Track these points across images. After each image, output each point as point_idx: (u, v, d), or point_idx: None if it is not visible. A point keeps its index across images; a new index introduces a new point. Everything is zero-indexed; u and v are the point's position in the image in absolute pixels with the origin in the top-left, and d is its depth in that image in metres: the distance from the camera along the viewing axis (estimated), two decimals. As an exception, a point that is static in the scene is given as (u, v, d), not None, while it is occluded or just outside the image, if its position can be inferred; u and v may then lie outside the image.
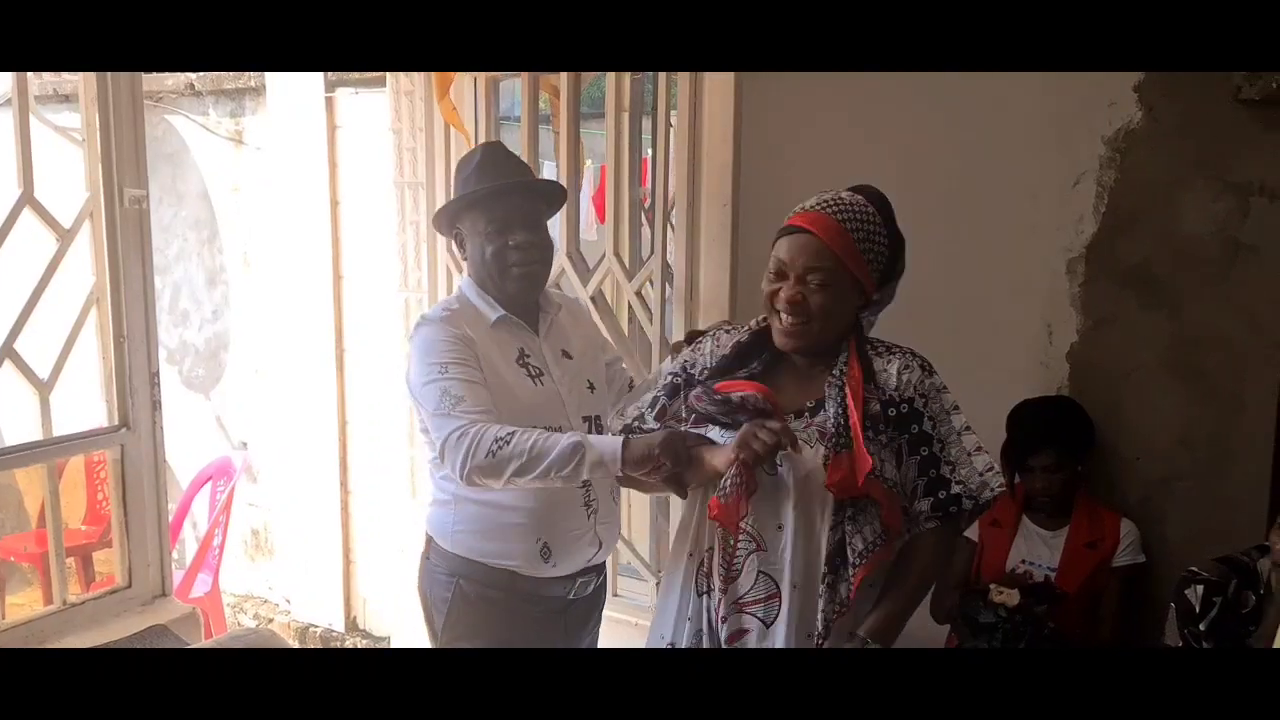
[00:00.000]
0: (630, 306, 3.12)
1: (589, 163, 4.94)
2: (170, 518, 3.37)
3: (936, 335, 2.89)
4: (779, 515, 1.78)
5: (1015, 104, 2.73)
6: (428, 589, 2.27)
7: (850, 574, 1.74)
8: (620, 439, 1.87)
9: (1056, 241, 2.77)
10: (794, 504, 1.77)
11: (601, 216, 4.38)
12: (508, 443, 1.92)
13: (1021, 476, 2.74)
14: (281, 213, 4.19)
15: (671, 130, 2.98)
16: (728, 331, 1.96)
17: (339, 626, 4.31)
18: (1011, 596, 2.57)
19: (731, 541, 1.79)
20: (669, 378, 1.97)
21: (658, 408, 1.94)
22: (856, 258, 1.77)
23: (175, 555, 3.90)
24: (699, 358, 1.94)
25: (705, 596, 1.84)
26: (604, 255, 3.09)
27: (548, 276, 2.31)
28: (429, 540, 2.28)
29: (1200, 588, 2.22)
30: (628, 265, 3.07)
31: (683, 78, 2.85)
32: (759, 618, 1.79)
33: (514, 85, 3.69)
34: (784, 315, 1.79)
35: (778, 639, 1.78)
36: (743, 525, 1.77)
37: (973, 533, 2.82)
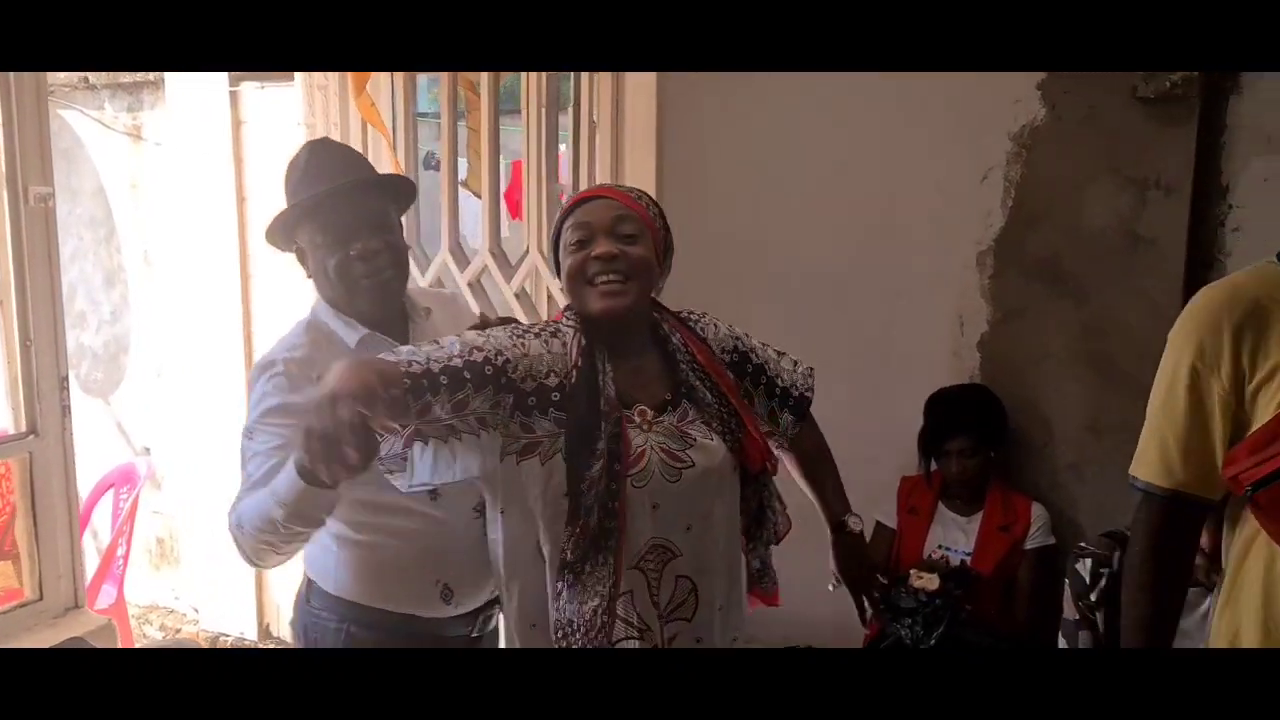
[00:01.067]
0: (559, 304, 3.12)
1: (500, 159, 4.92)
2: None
3: (852, 327, 2.99)
4: (689, 518, 1.66)
5: (925, 102, 2.81)
6: (312, 638, 1.98)
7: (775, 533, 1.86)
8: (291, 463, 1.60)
9: (966, 235, 2.86)
10: (706, 500, 1.67)
11: (514, 212, 4.37)
12: (241, 527, 1.72)
13: (938, 462, 2.82)
14: (184, 210, 4.07)
15: (595, 125, 2.98)
16: (537, 335, 1.66)
17: (251, 634, 4.21)
18: (931, 581, 2.65)
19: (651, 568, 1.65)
20: (471, 359, 1.54)
21: (458, 397, 1.52)
22: (652, 223, 1.69)
23: (76, 566, 3.77)
24: (523, 360, 1.60)
25: (631, 643, 1.64)
26: (527, 251, 3.08)
27: (405, 282, 1.99)
28: (308, 583, 2.00)
29: (1088, 561, 2.34)
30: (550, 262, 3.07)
31: (603, 74, 2.86)
32: (681, 619, 1.68)
33: (429, 82, 3.66)
34: (600, 276, 1.61)
35: (700, 628, 1.69)
36: (662, 540, 1.64)
37: (891, 520, 2.91)
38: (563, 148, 3.39)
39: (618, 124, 2.84)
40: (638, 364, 1.69)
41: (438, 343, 1.55)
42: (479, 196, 3.28)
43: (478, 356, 1.53)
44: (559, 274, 1.70)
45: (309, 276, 1.95)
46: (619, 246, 1.62)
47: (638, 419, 1.64)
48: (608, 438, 1.58)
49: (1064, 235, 2.77)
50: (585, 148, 3.03)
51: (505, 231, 4.26)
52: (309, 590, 1.99)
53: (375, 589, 1.92)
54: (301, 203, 1.88)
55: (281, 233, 1.95)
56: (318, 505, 1.63)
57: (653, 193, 2.89)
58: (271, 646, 4.16)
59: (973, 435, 2.76)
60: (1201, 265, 2.67)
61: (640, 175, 2.86)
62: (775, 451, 1.86)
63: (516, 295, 3.07)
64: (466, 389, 1.51)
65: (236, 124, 3.88)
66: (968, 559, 2.78)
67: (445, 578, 1.92)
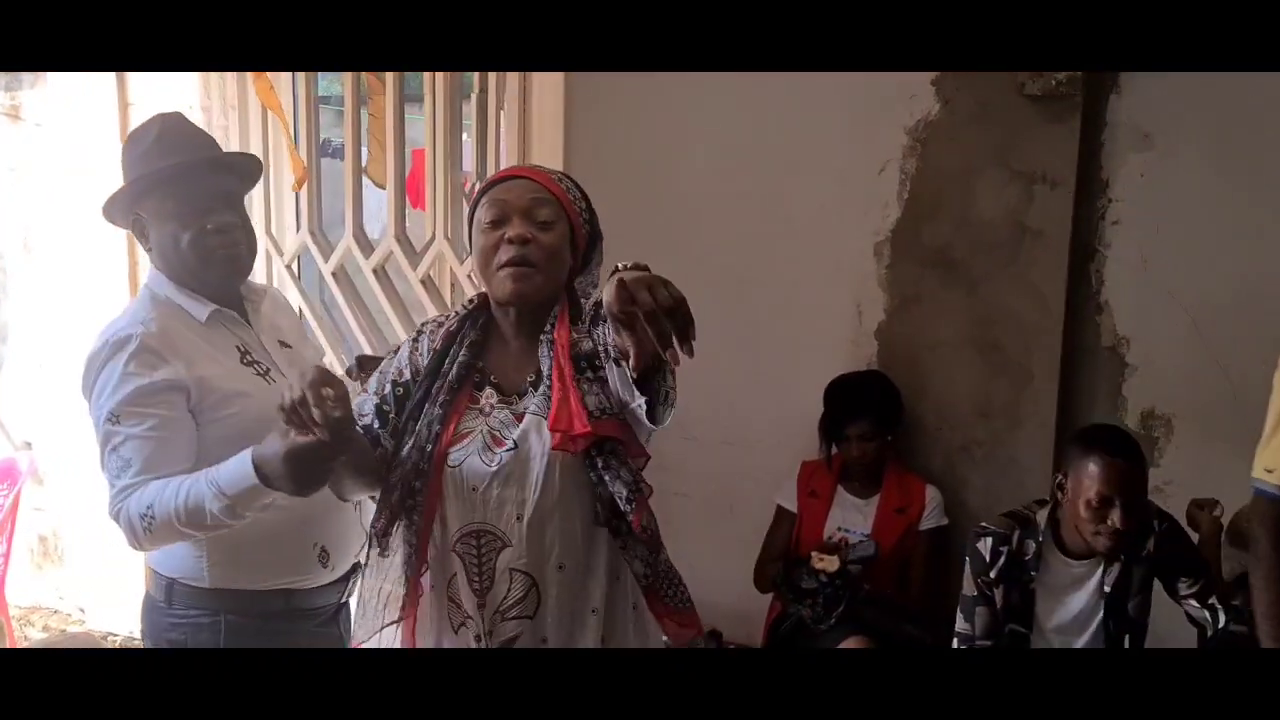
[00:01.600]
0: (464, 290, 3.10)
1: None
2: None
3: (753, 316, 3.04)
4: (518, 506, 1.60)
5: (823, 95, 2.87)
6: (182, 642, 1.90)
7: (629, 522, 1.60)
8: (248, 467, 1.62)
9: (864, 226, 2.94)
10: (533, 487, 1.60)
11: (415, 201, 4.32)
12: (153, 518, 1.71)
13: (838, 447, 2.89)
14: (67, 195, 3.92)
15: (502, 114, 2.97)
16: (427, 330, 1.75)
17: (139, 634, 4.08)
18: (832, 562, 2.72)
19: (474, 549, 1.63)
20: (381, 396, 1.72)
21: (389, 426, 1.70)
22: (572, 207, 1.65)
23: (-49, 566, 3.61)
24: (408, 360, 1.73)
25: (462, 630, 1.65)
26: (433, 239, 3.05)
27: (253, 262, 2.01)
28: (168, 586, 1.90)
29: (989, 540, 2.43)
30: (455, 249, 3.05)
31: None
32: (523, 616, 1.62)
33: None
34: (509, 257, 1.59)
35: (546, 627, 1.63)
36: (486, 526, 1.61)
37: (792, 504, 2.97)
38: (465, 137, 3.38)
39: (524, 113, 2.84)
40: (517, 347, 1.68)
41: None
42: (381, 186, 3.24)
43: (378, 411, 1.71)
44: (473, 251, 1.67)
45: (148, 249, 1.92)
46: (532, 231, 1.59)
47: (482, 403, 1.66)
48: (428, 419, 1.63)
49: (956, 226, 2.86)
50: (491, 136, 3.02)
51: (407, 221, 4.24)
52: (168, 594, 1.91)
53: (253, 568, 1.89)
54: (159, 171, 1.85)
55: (125, 204, 1.91)
56: (257, 503, 1.65)
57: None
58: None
59: (871, 420, 2.84)
60: (1084, 256, 2.80)
61: (547, 163, 2.86)
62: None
63: (422, 282, 3.05)
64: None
65: (124, 105, 3.74)
66: (865, 540, 2.85)
67: (322, 540, 1.93)
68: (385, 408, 1.71)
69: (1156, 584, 2.42)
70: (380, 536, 1.66)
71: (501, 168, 2.96)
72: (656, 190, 3.06)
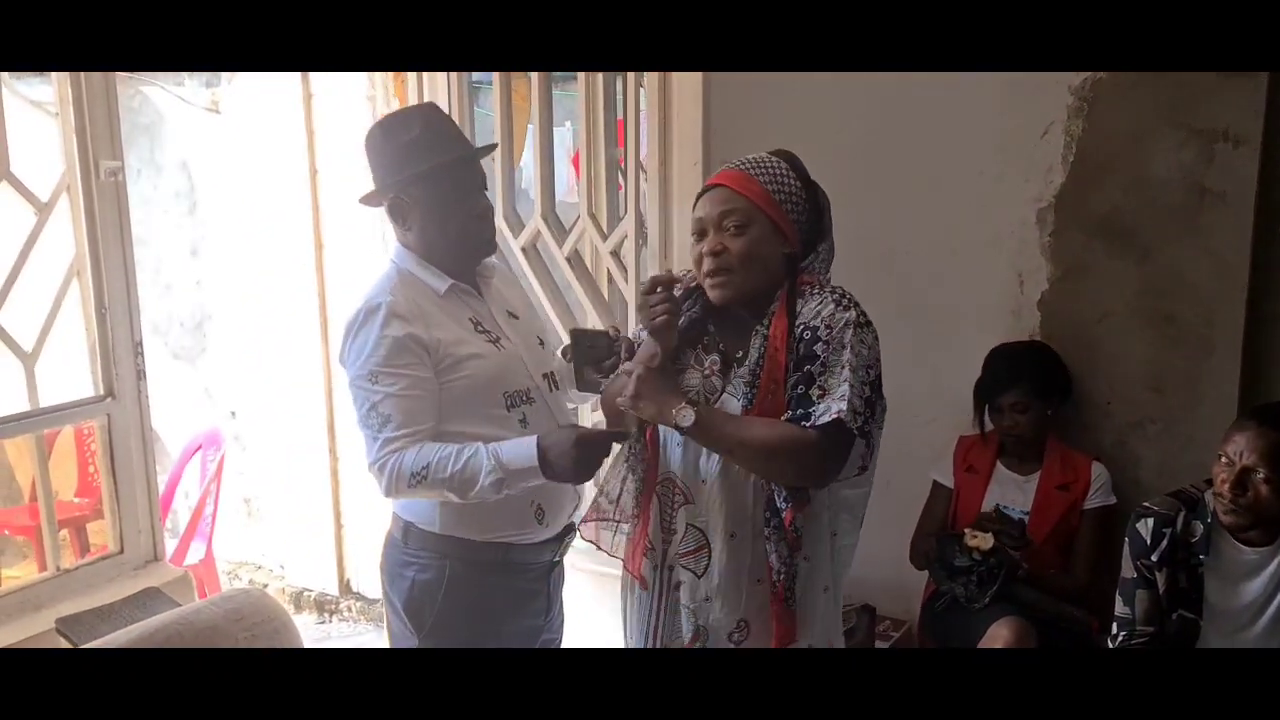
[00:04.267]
0: (608, 268, 3.15)
1: (567, 124, 4.94)
2: (162, 488, 3.41)
3: (909, 288, 2.96)
4: (702, 469, 1.80)
5: (983, 56, 2.75)
6: (410, 577, 2.11)
7: (781, 518, 1.73)
8: (531, 449, 1.91)
9: (1026, 192, 2.81)
10: (717, 459, 1.78)
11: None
12: (425, 477, 1.92)
13: (991, 416, 2.79)
14: (261, 182, 4.20)
15: (642, 91, 2.99)
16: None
17: (333, 590, 4.36)
18: (985, 540, 2.64)
19: (671, 502, 1.85)
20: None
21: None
22: (769, 201, 1.77)
23: (169, 525, 3.94)
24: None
25: (650, 554, 1.89)
26: (579, 216, 3.11)
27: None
28: (405, 527, 2.13)
29: (1150, 521, 2.31)
30: (604, 226, 3.10)
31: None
32: (690, 569, 1.82)
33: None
34: (707, 266, 1.78)
35: (711, 587, 1.81)
36: (673, 478, 1.83)
37: (948, 479, 2.89)
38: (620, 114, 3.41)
39: (665, 88, 2.85)
40: (738, 323, 1.82)
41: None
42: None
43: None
44: None
45: (407, 229, 2.10)
46: (722, 241, 1.76)
47: (707, 368, 1.84)
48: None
49: (1126, 191, 2.70)
50: (631, 114, 3.04)
51: (573, 196, 4.32)
52: (405, 534, 2.12)
53: (478, 520, 2.06)
54: (445, 163, 2.05)
55: (392, 188, 2.08)
56: (526, 484, 1.93)
57: (699, 159, 2.91)
58: (344, 608, 4.32)
59: (1026, 389, 2.73)
60: (1272, 219, 2.59)
61: (689, 139, 2.87)
62: None
63: (568, 259, 3.11)
64: None
65: (308, 97, 3.97)
66: (1025, 518, 2.75)
67: (539, 499, 2.08)
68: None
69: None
70: (626, 451, 1.91)
71: (643, 144, 3.00)
72: (805, 160, 2.99)
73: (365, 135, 2.12)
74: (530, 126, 3.83)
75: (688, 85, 2.82)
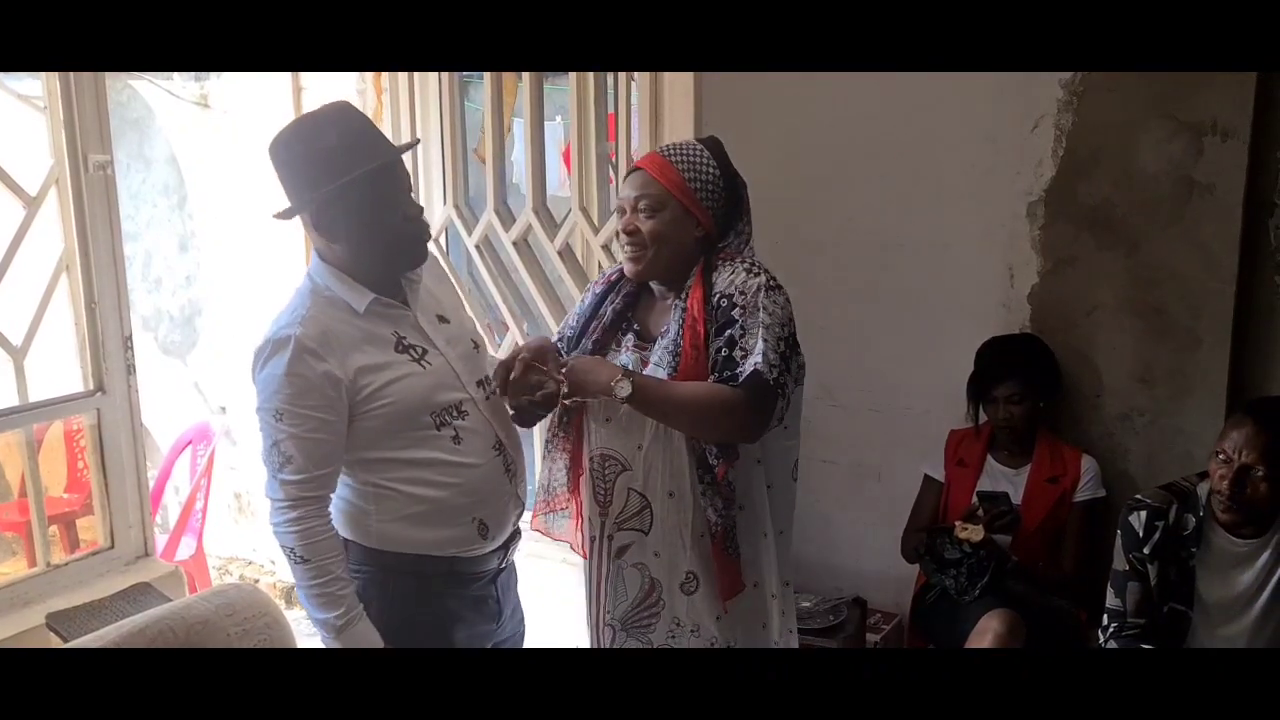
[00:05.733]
0: (599, 261, 3.15)
1: (558, 119, 4.94)
2: (152, 483, 3.40)
3: (900, 281, 2.97)
4: (639, 436, 1.94)
5: (974, 49, 2.76)
6: (357, 590, 1.97)
7: (714, 474, 1.91)
8: (354, 637, 1.90)
9: (1016, 185, 2.82)
10: (648, 424, 1.93)
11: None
12: (295, 559, 1.88)
13: (985, 409, 2.80)
14: (250, 176, 4.18)
15: (634, 86, 2.99)
16: (593, 282, 2.17)
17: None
18: (976, 532, 2.64)
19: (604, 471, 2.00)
20: (559, 336, 2.16)
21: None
22: (683, 188, 1.93)
23: (159, 520, 3.93)
24: (568, 319, 2.16)
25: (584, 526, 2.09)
26: (570, 210, 3.11)
27: None
28: (345, 543, 1.98)
29: (1143, 514, 2.31)
30: (596, 220, 3.10)
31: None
32: (636, 529, 1.99)
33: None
34: (623, 242, 1.98)
35: (657, 541, 1.97)
36: (608, 453, 1.98)
37: (939, 474, 2.90)
38: (612, 108, 3.41)
39: (657, 82, 2.85)
40: (659, 305, 2.02)
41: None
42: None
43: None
44: None
45: (332, 242, 1.92)
46: (636, 222, 1.95)
47: (623, 344, 2.02)
48: (582, 352, 2.03)
49: (1116, 183, 2.71)
50: (622, 108, 3.04)
51: (565, 190, 4.31)
52: (346, 548, 1.98)
53: (415, 534, 1.96)
54: (370, 170, 1.86)
55: (306, 198, 1.91)
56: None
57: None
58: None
59: (1020, 381, 2.74)
60: (1260, 211, 2.60)
61: (680, 133, 2.86)
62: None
63: (560, 253, 3.11)
64: None
65: (297, 90, 3.95)
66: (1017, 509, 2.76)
67: (481, 514, 1.99)
68: (560, 344, 2.10)
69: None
70: (548, 444, 2.10)
71: (634, 139, 3.01)
72: (797, 155, 3.01)
73: (271, 145, 1.94)
74: (517, 120, 3.83)
75: (679, 80, 2.83)
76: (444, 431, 1.93)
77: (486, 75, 3.14)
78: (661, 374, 1.91)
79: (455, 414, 1.95)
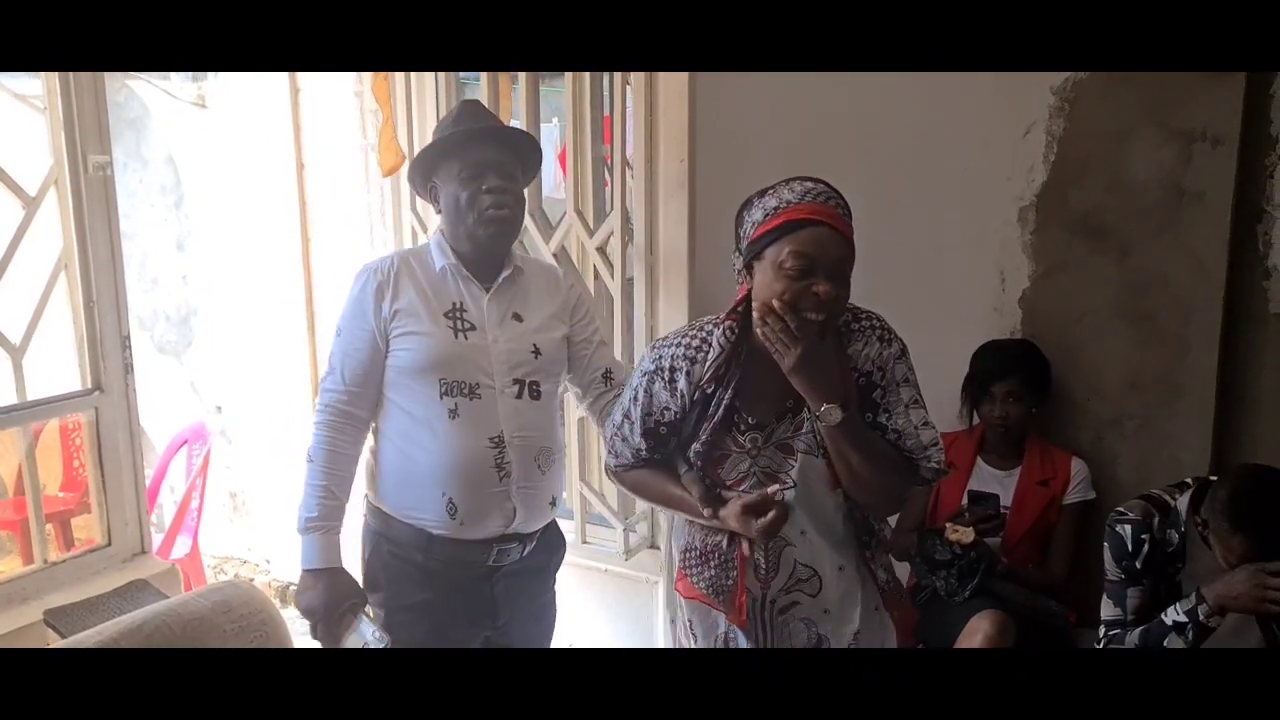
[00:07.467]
0: (595, 264, 3.17)
1: (554, 121, 4.95)
2: (148, 482, 3.41)
3: (891, 284, 2.97)
4: (804, 522, 1.84)
5: (967, 56, 2.78)
6: (364, 540, 2.24)
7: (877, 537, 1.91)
8: (313, 542, 2.09)
9: (1008, 190, 2.84)
10: (807, 511, 1.83)
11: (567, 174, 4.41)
12: (307, 459, 2.12)
13: (980, 409, 2.82)
14: (247, 177, 4.20)
15: (629, 88, 3.01)
16: (682, 367, 1.84)
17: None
18: (966, 534, 2.66)
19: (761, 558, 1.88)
20: (646, 379, 1.88)
21: (640, 417, 1.90)
22: (853, 247, 1.73)
23: (154, 519, 3.94)
24: (668, 399, 1.86)
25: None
26: (565, 212, 3.13)
27: (519, 227, 2.23)
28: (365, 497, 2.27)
29: (1128, 528, 2.31)
30: (591, 222, 3.12)
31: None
32: (804, 593, 1.88)
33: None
34: (814, 315, 1.66)
35: (831, 603, 1.87)
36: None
37: (930, 475, 2.92)
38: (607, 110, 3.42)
39: (652, 84, 2.87)
40: (771, 382, 1.76)
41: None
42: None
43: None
44: (744, 261, 1.76)
45: (439, 212, 2.20)
46: (836, 291, 1.66)
47: (747, 445, 1.82)
48: (704, 461, 1.84)
49: (1107, 190, 2.74)
50: (617, 111, 3.06)
51: (560, 193, 4.33)
52: (348, 476, 2.20)
53: (398, 496, 2.15)
54: (446, 138, 2.14)
55: (421, 171, 2.20)
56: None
57: (685, 156, 2.93)
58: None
59: (1018, 380, 2.76)
60: (1249, 218, 2.63)
61: (674, 136, 2.88)
62: None
63: (555, 255, 3.13)
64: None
65: (294, 91, 3.97)
66: (1005, 513, 2.78)
67: (450, 492, 2.09)
68: (653, 441, 1.91)
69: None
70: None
71: (630, 141, 3.02)
72: (790, 159, 3.01)
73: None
74: (513, 122, 3.85)
75: (674, 82, 2.84)
76: (445, 401, 2.07)
77: (483, 76, 3.14)
78: (814, 461, 1.80)
79: (465, 391, 2.08)
